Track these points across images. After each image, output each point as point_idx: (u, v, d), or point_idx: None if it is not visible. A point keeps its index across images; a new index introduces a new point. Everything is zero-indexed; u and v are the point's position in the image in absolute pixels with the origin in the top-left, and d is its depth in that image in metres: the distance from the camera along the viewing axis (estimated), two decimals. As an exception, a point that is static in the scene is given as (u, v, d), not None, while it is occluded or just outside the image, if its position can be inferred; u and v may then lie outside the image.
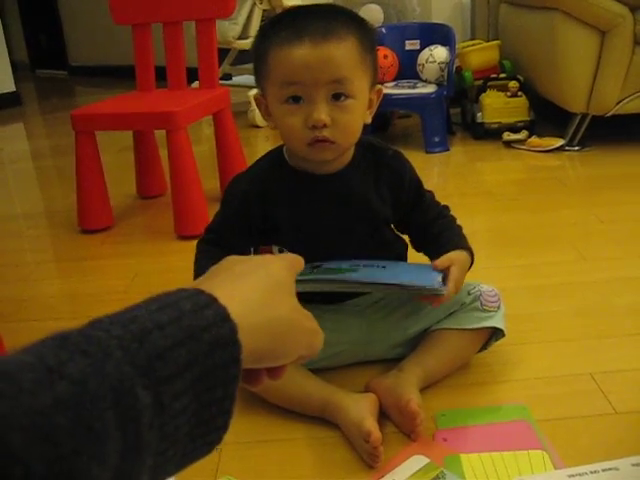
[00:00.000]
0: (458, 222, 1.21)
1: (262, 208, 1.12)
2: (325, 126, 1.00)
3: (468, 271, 1.14)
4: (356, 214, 1.13)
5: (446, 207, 1.23)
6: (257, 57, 1.07)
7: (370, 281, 1.06)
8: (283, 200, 1.12)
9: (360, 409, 1.00)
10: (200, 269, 1.11)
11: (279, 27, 1.03)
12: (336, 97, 1.01)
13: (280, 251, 1.16)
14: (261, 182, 1.12)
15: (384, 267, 1.11)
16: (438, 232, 1.18)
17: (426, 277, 1.07)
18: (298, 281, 0.96)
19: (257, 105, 1.13)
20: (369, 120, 1.09)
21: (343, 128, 1.02)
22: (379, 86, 1.10)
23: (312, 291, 1.02)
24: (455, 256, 1.11)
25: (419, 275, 1.08)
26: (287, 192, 1.12)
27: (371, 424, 0.96)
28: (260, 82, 1.08)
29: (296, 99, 1.01)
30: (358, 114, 1.05)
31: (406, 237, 1.25)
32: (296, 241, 1.12)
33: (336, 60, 0.99)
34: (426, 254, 1.21)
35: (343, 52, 1.00)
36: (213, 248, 1.14)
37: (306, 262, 1.12)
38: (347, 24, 1.02)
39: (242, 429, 1.07)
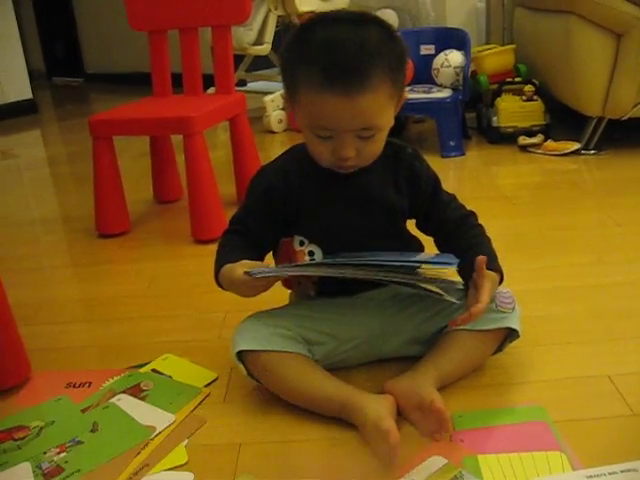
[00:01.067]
0: (486, 232, 1.22)
1: (286, 198, 1.14)
2: (350, 159, 1.05)
3: None
4: (375, 208, 1.16)
5: (473, 214, 1.24)
6: (286, 77, 1.08)
7: (385, 262, 1.06)
8: (306, 191, 1.14)
9: (378, 409, 1.00)
10: (223, 257, 1.13)
11: (308, 52, 1.02)
12: (364, 136, 1.04)
13: (301, 243, 1.17)
14: (286, 173, 1.15)
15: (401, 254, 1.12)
16: (467, 247, 1.16)
17: (441, 256, 1.12)
18: (316, 264, 0.97)
19: (285, 102, 1.14)
20: (392, 123, 1.10)
21: (368, 155, 1.08)
22: (405, 94, 1.11)
23: (328, 275, 1.04)
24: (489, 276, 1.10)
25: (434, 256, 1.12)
26: (310, 184, 1.14)
27: (390, 424, 0.96)
28: (288, 93, 1.09)
29: (325, 137, 1.04)
30: (383, 139, 1.09)
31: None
32: (317, 232, 1.15)
33: (367, 111, 1.01)
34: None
35: (375, 101, 1.01)
36: (237, 238, 1.16)
37: (325, 252, 1.15)
38: (379, 51, 1.00)
39: (261, 430, 1.08)
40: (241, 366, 1.12)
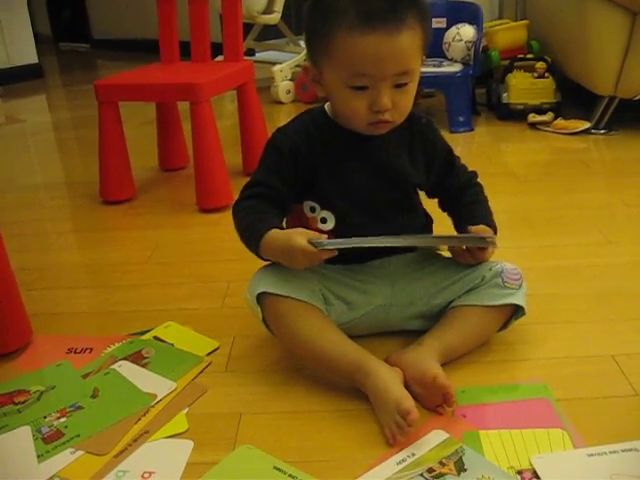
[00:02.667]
0: (485, 192, 1.27)
1: (306, 156, 1.13)
2: (388, 110, 1.05)
3: None
4: (390, 174, 1.16)
5: (475, 173, 1.28)
6: (314, 29, 1.07)
7: (432, 236, 1.16)
8: (326, 151, 1.14)
9: (397, 385, 1.00)
10: (258, 224, 1.09)
11: (339, 5, 1.01)
12: (399, 84, 1.05)
13: (312, 209, 1.17)
14: (305, 133, 1.14)
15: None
16: (468, 202, 1.24)
17: (474, 237, 1.15)
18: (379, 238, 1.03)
19: (304, 71, 1.14)
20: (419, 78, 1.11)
21: (402, 109, 1.08)
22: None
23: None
24: (482, 230, 1.16)
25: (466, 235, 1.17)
26: (330, 144, 1.14)
27: (411, 404, 0.95)
28: (315, 55, 1.08)
29: (362, 88, 1.04)
30: (414, 92, 1.10)
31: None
32: (331, 196, 1.15)
33: (406, 52, 1.02)
34: (452, 218, 1.27)
35: (411, 42, 1.02)
36: (258, 202, 1.13)
37: (339, 221, 1.16)
38: (412, 5, 1.02)
39: (263, 400, 1.07)
40: (258, 309, 1.10)
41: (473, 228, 1.15)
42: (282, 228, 1.10)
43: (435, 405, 1.01)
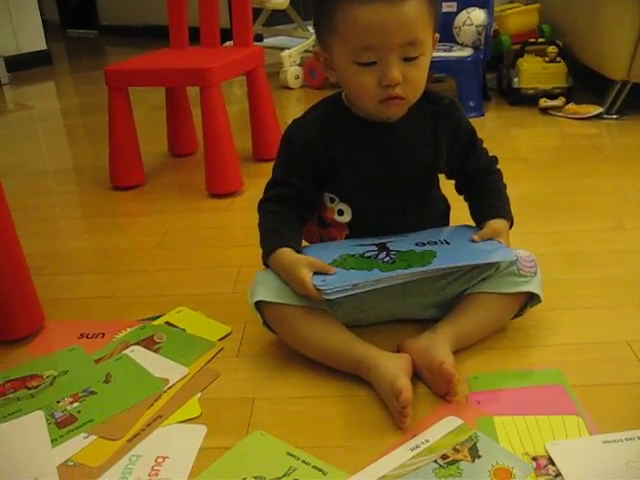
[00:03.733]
0: (503, 179, 1.26)
1: (323, 150, 1.12)
2: (398, 84, 1.02)
3: None
4: (410, 164, 1.14)
5: (495, 158, 1.26)
6: (320, 12, 1.06)
7: (446, 266, 1.09)
8: (342, 143, 1.12)
9: (395, 368, 0.99)
10: (273, 236, 1.12)
11: None
12: (408, 58, 1.02)
13: (331, 200, 1.16)
14: (321, 125, 1.13)
15: (448, 243, 1.15)
16: (486, 190, 1.22)
17: (496, 251, 1.12)
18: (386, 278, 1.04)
19: (315, 57, 1.13)
20: (432, 54, 1.09)
21: (414, 84, 1.05)
22: (436, 34, 1.09)
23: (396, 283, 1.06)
24: (498, 226, 1.16)
25: (488, 250, 1.12)
26: (346, 136, 1.12)
27: (404, 383, 0.95)
28: (323, 36, 1.07)
29: (370, 64, 1.02)
30: (426, 67, 1.07)
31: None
32: (350, 187, 1.14)
33: (410, 21, 0.99)
34: (469, 203, 1.26)
35: (416, 10, 1.00)
36: (281, 207, 1.14)
37: (356, 213, 1.14)
38: None
39: (275, 385, 1.07)
40: (258, 315, 1.11)
41: (481, 234, 1.14)
42: (299, 243, 1.12)
43: (442, 392, 1.00)
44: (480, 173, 1.23)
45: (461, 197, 1.28)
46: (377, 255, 1.10)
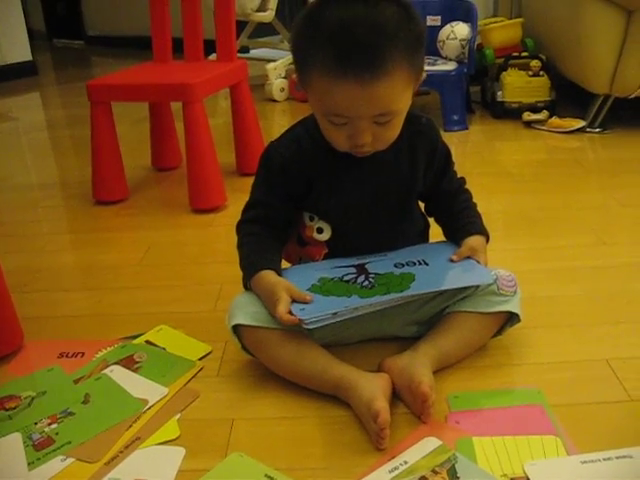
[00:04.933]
0: (474, 199, 1.26)
1: (299, 171, 1.12)
2: (367, 144, 1.03)
3: None
4: (389, 184, 1.15)
5: (464, 179, 1.27)
6: (298, 61, 1.05)
7: (424, 292, 1.09)
8: (320, 166, 1.12)
9: (372, 389, 0.99)
10: (253, 258, 1.12)
11: (320, 36, 0.97)
12: (381, 122, 1.02)
13: (311, 219, 1.16)
14: (298, 146, 1.13)
15: (427, 264, 1.15)
16: (460, 209, 1.22)
17: (474, 273, 1.11)
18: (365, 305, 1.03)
19: (295, 80, 1.13)
20: (409, 106, 1.08)
21: (385, 141, 1.06)
22: (424, 74, 1.08)
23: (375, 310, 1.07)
24: (475, 244, 1.16)
25: (466, 272, 1.12)
26: (323, 157, 1.12)
27: (381, 405, 0.95)
28: (300, 77, 1.06)
29: (340, 124, 1.02)
30: (401, 122, 1.06)
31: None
32: (327, 209, 1.14)
33: (382, 98, 0.98)
34: (442, 224, 1.26)
35: (390, 86, 0.97)
36: (261, 227, 1.14)
37: (335, 232, 1.15)
38: (395, 33, 0.96)
39: (255, 405, 1.07)
40: (236, 339, 1.11)
41: (460, 252, 1.15)
42: (279, 266, 1.12)
43: (419, 413, 1.00)
44: (452, 194, 1.24)
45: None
46: (356, 279, 1.10)
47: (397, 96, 1.00)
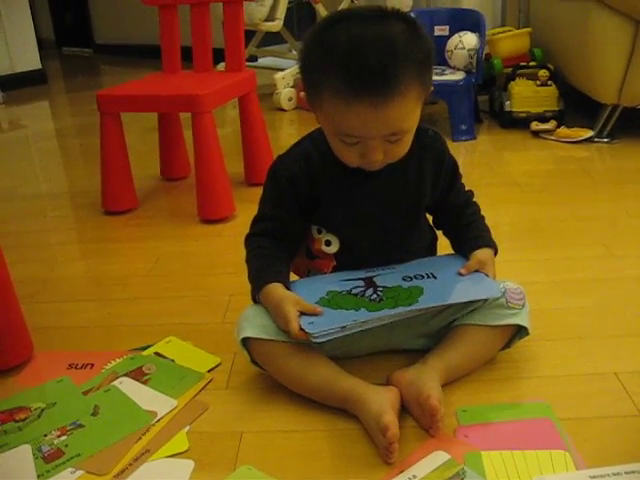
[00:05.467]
0: (481, 211, 1.26)
1: (307, 186, 1.12)
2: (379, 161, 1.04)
3: None
4: (397, 198, 1.15)
5: (472, 192, 1.27)
6: (308, 81, 1.05)
7: (433, 305, 1.09)
8: (327, 179, 1.12)
9: (381, 403, 0.99)
10: (261, 271, 1.12)
11: (331, 56, 0.97)
12: (392, 140, 1.02)
13: (319, 231, 1.17)
14: (306, 161, 1.13)
15: (435, 277, 1.15)
16: (467, 222, 1.22)
17: (482, 286, 1.11)
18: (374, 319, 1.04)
19: (303, 97, 1.13)
20: (418, 122, 1.08)
21: (396, 156, 1.07)
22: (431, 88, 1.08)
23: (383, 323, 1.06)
24: (484, 257, 1.16)
25: (474, 285, 1.12)
26: (331, 172, 1.12)
27: (390, 419, 0.95)
28: (310, 98, 1.06)
29: (352, 143, 1.02)
30: (410, 138, 1.06)
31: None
32: (337, 221, 1.15)
33: (395, 119, 0.99)
34: (450, 237, 1.27)
35: (404, 107, 0.98)
36: (269, 241, 1.14)
37: (343, 245, 1.15)
38: (408, 63, 0.97)
39: (264, 418, 1.07)
40: (245, 352, 1.11)
41: (468, 266, 1.15)
42: (287, 279, 1.12)
43: (428, 426, 1.00)
44: (459, 207, 1.24)
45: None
46: (364, 292, 1.10)
47: (409, 115, 1.01)
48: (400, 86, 0.96)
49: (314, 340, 1.01)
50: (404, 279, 1.13)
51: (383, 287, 1.11)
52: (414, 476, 0.92)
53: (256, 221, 1.19)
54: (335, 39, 0.97)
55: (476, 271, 1.14)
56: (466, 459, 0.95)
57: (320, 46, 1.00)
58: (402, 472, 0.93)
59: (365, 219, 1.15)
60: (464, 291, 1.11)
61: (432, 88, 1.08)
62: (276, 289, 1.08)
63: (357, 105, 0.96)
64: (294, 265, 1.24)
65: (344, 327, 1.02)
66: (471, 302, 1.12)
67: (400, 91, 0.96)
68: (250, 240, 1.18)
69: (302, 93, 1.12)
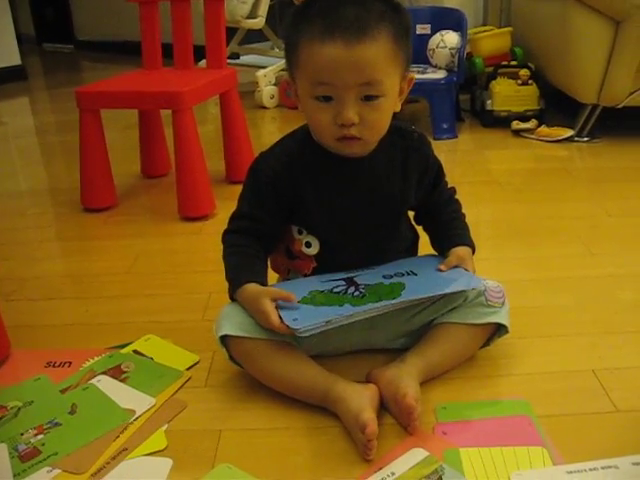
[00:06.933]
0: (462, 209, 1.27)
1: (290, 185, 1.11)
2: (353, 125, 1.02)
3: None
4: (380, 199, 1.14)
5: (454, 189, 1.27)
6: (288, 45, 1.06)
7: (417, 297, 1.09)
8: (310, 178, 1.12)
9: (360, 400, 0.99)
10: (238, 270, 1.12)
11: (310, 15, 1.00)
12: (367, 98, 1.01)
13: (299, 232, 1.16)
14: (288, 159, 1.12)
15: (415, 274, 1.15)
16: (447, 219, 1.24)
17: (463, 279, 1.12)
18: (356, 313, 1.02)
19: (285, 84, 1.13)
20: (398, 108, 1.09)
21: (371, 126, 1.04)
22: (412, 74, 1.09)
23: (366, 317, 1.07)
24: (462, 253, 1.17)
25: (455, 278, 1.13)
26: (314, 171, 1.12)
27: (368, 416, 0.95)
28: (290, 69, 1.08)
29: (326, 98, 1.02)
30: (387, 110, 1.05)
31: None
32: (318, 222, 1.14)
33: (368, 63, 0.98)
34: (429, 233, 1.28)
35: (375, 53, 0.98)
36: (246, 238, 1.14)
37: (324, 246, 1.15)
38: (382, 14, 0.99)
39: (243, 416, 1.07)
40: (224, 350, 1.10)
41: (447, 262, 1.16)
42: (264, 278, 1.12)
43: (405, 424, 1.00)
44: (441, 204, 1.24)
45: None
46: (346, 290, 1.10)
47: (382, 66, 1.00)
48: (373, 31, 0.98)
49: (299, 335, 1.01)
50: (384, 277, 1.13)
51: (365, 285, 1.11)
52: (392, 473, 0.92)
53: (234, 218, 1.18)
54: (314, 3, 1.01)
55: (456, 267, 1.15)
56: (445, 456, 0.95)
57: (299, 10, 1.04)
58: (381, 469, 0.93)
59: (347, 219, 1.14)
60: (447, 284, 1.11)
61: (414, 77, 1.09)
62: (251, 288, 1.08)
63: (330, 45, 0.97)
64: (274, 263, 1.23)
65: (329, 321, 1.02)
66: (453, 298, 1.12)
67: (373, 35, 0.98)
68: (227, 237, 1.17)
69: (285, 78, 1.13)
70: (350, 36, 0.97)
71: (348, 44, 0.97)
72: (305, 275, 1.19)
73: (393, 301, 1.06)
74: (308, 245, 1.16)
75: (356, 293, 1.09)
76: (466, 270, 1.15)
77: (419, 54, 2.88)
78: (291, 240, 1.18)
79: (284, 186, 1.12)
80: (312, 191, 1.12)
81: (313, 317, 1.02)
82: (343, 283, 1.12)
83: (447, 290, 1.11)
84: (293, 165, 1.12)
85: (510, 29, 3.01)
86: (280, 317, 1.02)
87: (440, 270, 1.15)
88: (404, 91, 1.09)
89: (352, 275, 1.14)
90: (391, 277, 1.13)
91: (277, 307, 1.04)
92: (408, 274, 1.14)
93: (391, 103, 1.05)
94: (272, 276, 1.25)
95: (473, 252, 1.21)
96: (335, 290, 1.10)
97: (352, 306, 1.05)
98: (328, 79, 0.99)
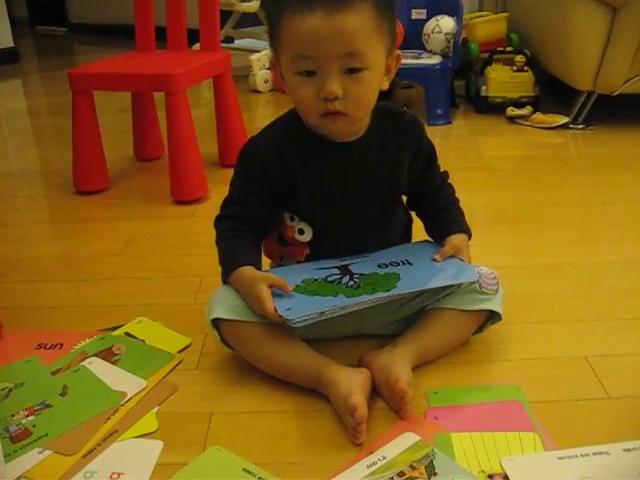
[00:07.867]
0: (455, 193, 1.26)
1: (280, 170, 1.10)
2: (337, 98, 0.99)
3: None
4: (372, 183, 1.13)
5: (447, 174, 1.26)
6: (270, 22, 1.04)
7: (412, 290, 1.09)
8: (300, 162, 1.10)
9: (350, 384, 0.99)
10: (231, 254, 1.12)
11: None
12: (350, 70, 0.99)
13: (292, 219, 1.15)
14: (279, 144, 1.10)
15: (410, 264, 1.14)
16: (442, 205, 1.22)
17: (458, 271, 1.12)
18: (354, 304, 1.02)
19: (272, 67, 1.11)
20: (386, 87, 1.07)
21: (356, 100, 1.01)
22: (398, 52, 1.07)
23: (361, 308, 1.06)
24: (458, 242, 1.16)
25: (450, 270, 1.12)
26: (304, 155, 1.10)
27: (358, 400, 0.95)
28: (273, 47, 1.06)
29: (309, 72, 0.99)
30: (372, 84, 1.03)
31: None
32: (309, 207, 1.13)
33: (349, 32, 0.96)
34: (423, 219, 1.27)
35: (356, 22, 0.96)
36: (238, 224, 1.13)
37: (317, 233, 1.14)
38: None
39: (234, 399, 1.07)
40: (215, 332, 1.10)
41: (443, 252, 1.15)
42: (259, 262, 1.12)
43: (397, 409, 1.01)
44: (435, 189, 1.23)
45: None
46: (341, 279, 1.09)
47: (364, 37, 0.98)
48: (356, 2, 0.96)
49: (293, 325, 1.00)
50: (379, 266, 1.13)
51: (359, 274, 1.10)
52: (383, 457, 0.92)
53: (225, 204, 1.17)
54: None
55: (451, 257, 1.14)
56: (436, 440, 0.95)
57: None
58: (372, 453, 0.93)
59: (339, 204, 1.13)
60: (442, 276, 1.11)
61: (400, 55, 1.08)
62: (247, 271, 1.07)
63: (309, 16, 0.95)
64: (267, 249, 1.23)
65: (322, 312, 1.01)
66: (448, 286, 1.12)
67: (353, 4, 0.96)
68: (220, 222, 1.16)
69: (272, 58, 1.11)
70: (330, 5, 0.95)
71: (327, 14, 0.95)
72: (298, 262, 1.18)
73: (387, 293, 1.05)
74: (301, 232, 1.15)
75: (350, 283, 1.08)
76: (462, 260, 1.14)
77: (414, 39, 2.87)
78: (284, 227, 1.17)
79: (274, 171, 1.10)
80: (302, 175, 1.11)
81: (307, 307, 1.01)
82: (337, 272, 1.11)
83: (442, 283, 1.10)
84: (282, 150, 1.10)
85: (506, 15, 3.00)
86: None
87: (435, 260, 1.14)
88: (391, 69, 1.07)
89: (346, 263, 1.14)
90: (386, 266, 1.12)
91: (272, 294, 1.04)
92: (403, 263, 1.14)
93: (376, 78, 1.03)
94: (265, 262, 1.24)
95: (469, 238, 1.20)
96: (329, 279, 1.09)
97: (346, 297, 1.04)
98: (309, 51, 0.97)
